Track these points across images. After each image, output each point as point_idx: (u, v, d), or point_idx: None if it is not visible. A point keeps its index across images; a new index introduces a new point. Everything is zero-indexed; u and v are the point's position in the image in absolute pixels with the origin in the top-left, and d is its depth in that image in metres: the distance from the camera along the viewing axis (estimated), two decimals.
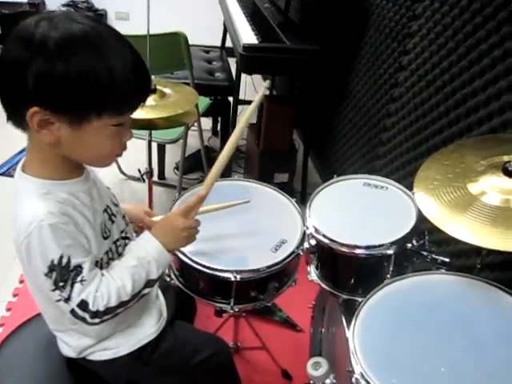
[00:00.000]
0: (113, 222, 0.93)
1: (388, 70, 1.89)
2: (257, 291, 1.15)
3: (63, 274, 0.80)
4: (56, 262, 0.79)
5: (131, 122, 0.86)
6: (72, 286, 0.81)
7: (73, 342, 0.96)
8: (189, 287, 1.18)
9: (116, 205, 0.98)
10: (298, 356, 1.60)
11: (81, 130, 0.77)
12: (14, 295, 1.87)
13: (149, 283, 0.89)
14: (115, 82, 0.75)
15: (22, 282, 1.92)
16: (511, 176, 0.97)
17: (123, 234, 0.97)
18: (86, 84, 0.73)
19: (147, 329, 1.01)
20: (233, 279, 1.08)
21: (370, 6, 2.07)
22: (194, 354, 1.04)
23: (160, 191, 2.55)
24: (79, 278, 0.81)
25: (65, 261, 0.80)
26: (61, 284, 0.80)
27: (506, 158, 1.00)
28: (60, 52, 0.72)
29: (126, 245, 0.96)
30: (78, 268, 0.81)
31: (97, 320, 0.84)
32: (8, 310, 1.80)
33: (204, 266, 1.09)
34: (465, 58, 1.39)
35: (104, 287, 0.83)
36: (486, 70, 1.31)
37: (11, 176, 2.61)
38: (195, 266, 1.10)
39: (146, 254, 0.89)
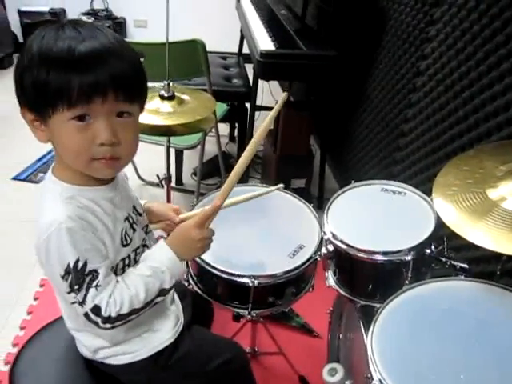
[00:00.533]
0: (134, 230, 0.94)
1: (406, 75, 1.89)
2: (274, 296, 1.15)
3: (78, 278, 0.81)
4: (72, 266, 0.81)
5: (141, 126, 0.87)
6: (87, 291, 0.82)
7: (88, 342, 0.98)
8: (207, 292, 1.19)
9: (140, 214, 0.99)
10: (316, 362, 1.59)
11: (49, 126, 0.80)
12: (35, 299, 1.91)
13: (162, 292, 0.90)
14: (49, 77, 0.75)
15: (42, 285, 1.96)
16: None
17: (143, 242, 0.98)
18: (35, 85, 0.77)
19: (164, 333, 1.02)
20: (250, 284, 1.09)
21: (388, 11, 2.07)
22: (211, 359, 1.05)
23: (178, 196, 2.57)
24: (94, 283, 0.83)
25: (81, 264, 0.81)
26: (76, 287, 0.82)
27: None
28: (27, 57, 0.77)
29: (143, 252, 0.97)
30: (94, 273, 0.83)
31: (108, 325, 0.85)
32: (29, 313, 1.84)
33: (222, 271, 1.10)
34: (483, 62, 1.38)
35: (118, 294, 0.85)
36: (505, 75, 1.30)
37: (32, 182, 2.66)
38: (213, 271, 1.11)
39: (160, 264, 0.90)
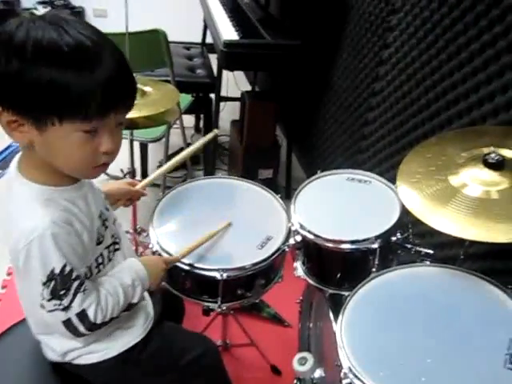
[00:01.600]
0: (106, 227, 0.93)
1: (369, 64, 1.90)
2: (244, 289, 1.15)
3: (65, 283, 0.79)
4: (57, 271, 0.78)
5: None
6: (74, 296, 0.81)
7: (58, 345, 0.95)
8: (176, 287, 1.17)
9: (107, 209, 0.97)
10: (287, 351, 1.59)
11: (47, 133, 0.75)
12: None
13: (129, 306, 0.92)
14: (72, 89, 0.71)
15: (4, 287, 1.89)
16: (491, 168, 0.98)
17: (114, 239, 0.96)
18: (40, 88, 0.71)
19: (134, 330, 1.00)
20: (219, 278, 1.08)
21: (350, 1, 2.08)
22: (182, 355, 1.04)
23: None
24: (82, 288, 0.82)
25: (68, 269, 0.79)
26: (62, 292, 0.80)
27: (485, 150, 1.02)
28: (17, 54, 0.70)
29: (115, 250, 0.96)
30: (80, 277, 0.81)
31: (88, 332, 0.85)
32: None
33: (190, 266, 1.09)
34: (444, 51, 1.41)
35: (104, 301, 0.85)
36: (465, 63, 1.32)
37: None
38: (181, 265, 1.09)
39: (137, 278, 0.92)
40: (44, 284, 0.79)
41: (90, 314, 0.83)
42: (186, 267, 1.09)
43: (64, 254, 0.79)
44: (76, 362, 0.96)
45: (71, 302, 0.81)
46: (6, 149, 2.80)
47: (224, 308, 1.15)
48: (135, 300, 0.92)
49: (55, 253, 0.78)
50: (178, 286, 1.17)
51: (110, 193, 1.06)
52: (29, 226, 0.77)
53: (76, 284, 0.81)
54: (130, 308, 0.93)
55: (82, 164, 0.80)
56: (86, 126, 0.75)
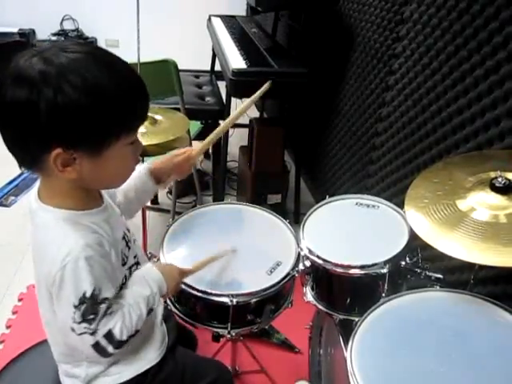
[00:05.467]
0: (129, 248, 0.94)
1: (375, 90, 1.93)
2: (253, 314, 1.15)
3: (94, 307, 0.80)
4: (88, 295, 0.78)
5: None
6: (101, 319, 0.81)
7: (82, 373, 0.94)
8: (185, 313, 1.17)
9: (128, 230, 0.97)
10: (297, 378, 1.59)
11: (102, 157, 0.77)
12: (7, 327, 1.85)
13: (151, 310, 0.92)
14: (126, 101, 0.75)
15: (15, 313, 1.91)
16: (498, 192, 0.99)
17: (136, 260, 0.97)
18: (98, 109, 0.72)
19: (149, 354, 1.00)
20: (229, 303, 1.08)
21: (355, 29, 2.12)
22: (196, 381, 1.04)
23: (154, 216, 2.55)
24: (109, 311, 0.82)
25: (97, 293, 0.79)
26: (90, 317, 0.80)
27: (492, 174, 1.02)
28: (63, 84, 0.69)
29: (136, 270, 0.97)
30: (107, 300, 0.81)
31: (117, 351, 0.85)
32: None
33: (200, 291, 1.09)
34: (448, 76, 1.43)
35: (128, 317, 0.85)
36: (470, 89, 1.34)
37: (3, 205, 2.60)
38: (191, 291, 1.10)
39: (155, 288, 0.92)
40: (76, 307, 0.79)
41: (116, 332, 0.83)
42: (196, 292, 1.10)
43: (95, 277, 0.79)
44: None
45: (97, 325, 0.81)
46: (19, 176, 2.85)
47: (234, 334, 1.15)
48: (155, 306, 0.92)
49: (87, 276, 0.78)
50: (187, 311, 1.17)
51: (160, 169, 1.10)
52: (63, 251, 0.77)
53: (104, 307, 0.81)
54: (149, 313, 0.92)
55: (129, 174, 0.87)
56: (132, 137, 0.80)
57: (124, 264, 0.91)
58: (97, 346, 0.83)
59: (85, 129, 0.73)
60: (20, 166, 0.78)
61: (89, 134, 0.74)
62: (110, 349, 0.84)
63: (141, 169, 1.07)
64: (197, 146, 1.19)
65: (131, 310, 0.86)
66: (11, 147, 0.76)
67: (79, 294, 0.78)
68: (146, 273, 0.94)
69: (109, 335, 0.83)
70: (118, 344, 0.84)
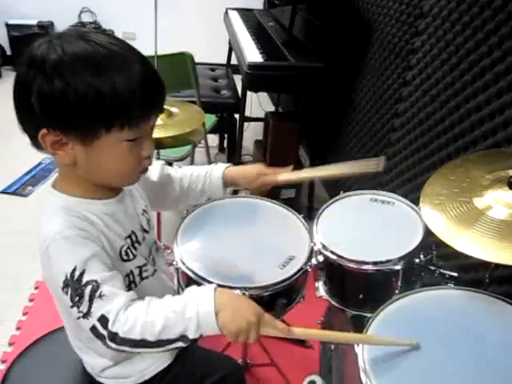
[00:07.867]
0: (136, 248, 0.92)
1: (392, 85, 1.91)
2: (265, 308, 1.14)
3: (76, 289, 0.77)
4: (69, 276, 0.77)
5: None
6: (91, 302, 0.77)
7: (89, 360, 0.96)
8: None
9: (146, 231, 0.96)
10: (308, 372, 1.59)
11: (93, 147, 0.77)
12: (24, 314, 1.88)
13: (183, 339, 0.79)
14: (118, 98, 0.73)
15: (31, 300, 1.94)
16: None
17: (150, 261, 0.96)
18: (87, 101, 0.72)
19: (162, 355, 0.98)
20: None
21: (373, 23, 2.10)
22: (207, 376, 1.04)
23: None
24: (98, 294, 0.77)
25: (77, 274, 0.77)
26: (76, 299, 0.77)
27: (510, 173, 1.00)
28: (56, 72, 0.72)
29: (155, 271, 0.96)
30: (94, 283, 0.77)
31: (113, 345, 0.78)
32: (18, 328, 1.81)
33: (212, 283, 1.10)
34: (468, 72, 1.41)
35: (131, 313, 0.77)
36: (490, 85, 1.32)
37: (21, 195, 2.64)
38: (204, 283, 1.10)
39: (192, 309, 0.78)
40: (62, 290, 0.77)
41: (110, 320, 0.77)
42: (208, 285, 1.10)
43: (75, 257, 0.77)
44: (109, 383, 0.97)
45: (89, 307, 0.77)
46: (37, 166, 2.89)
47: None
48: (191, 335, 0.78)
49: (67, 255, 0.77)
50: None
51: (238, 177, 1.12)
52: (45, 233, 0.79)
53: (89, 290, 0.77)
54: (187, 341, 0.79)
55: (130, 173, 0.84)
56: (131, 134, 0.77)
57: (127, 260, 0.89)
58: (95, 331, 0.78)
59: (71, 118, 0.74)
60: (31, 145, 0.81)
61: (75, 123, 0.75)
62: (107, 338, 0.77)
63: (215, 172, 1.12)
64: (286, 173, 1.14)
65: (141, 311, 0.78)
66: (20, 122, 0.79)
67: (63, 276, 0.77)
68: (192, 294, 0.82)
69: (102, 319, 0.77)
70: (112, 335, 0.77)
